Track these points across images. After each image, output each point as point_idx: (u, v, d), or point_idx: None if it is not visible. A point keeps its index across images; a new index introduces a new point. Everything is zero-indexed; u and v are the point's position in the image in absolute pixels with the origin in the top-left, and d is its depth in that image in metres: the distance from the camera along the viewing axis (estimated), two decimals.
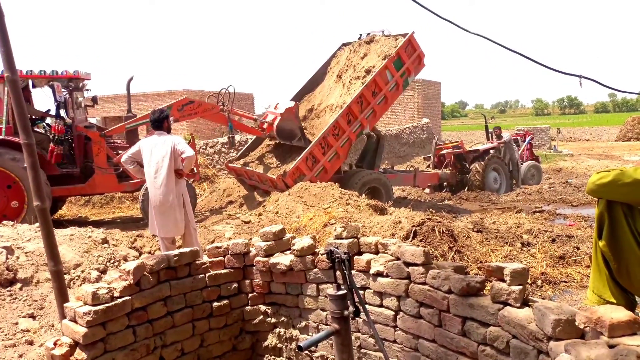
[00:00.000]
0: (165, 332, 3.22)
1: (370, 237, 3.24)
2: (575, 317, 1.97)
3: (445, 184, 12.34)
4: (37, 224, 4.02)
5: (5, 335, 3.84)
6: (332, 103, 9.77)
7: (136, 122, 8.88)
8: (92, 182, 8.70)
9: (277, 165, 9.34)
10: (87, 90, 9.18)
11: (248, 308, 3.66)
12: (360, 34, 10.65)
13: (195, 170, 9.42)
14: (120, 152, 8.69)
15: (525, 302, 2.31)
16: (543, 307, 2.08)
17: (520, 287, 2.31)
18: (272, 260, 3.47)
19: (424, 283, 2.75)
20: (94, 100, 9.39)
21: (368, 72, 9.48)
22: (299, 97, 10.62)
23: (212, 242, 6.43)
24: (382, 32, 10.31)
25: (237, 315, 3.64)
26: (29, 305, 4.29)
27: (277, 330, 3.59)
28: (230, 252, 3.62)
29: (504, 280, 2.35)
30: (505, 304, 2.34)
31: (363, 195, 8.24)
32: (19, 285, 4.45)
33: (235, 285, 3.63)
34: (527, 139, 14.25)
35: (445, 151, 12.72)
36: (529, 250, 5.63)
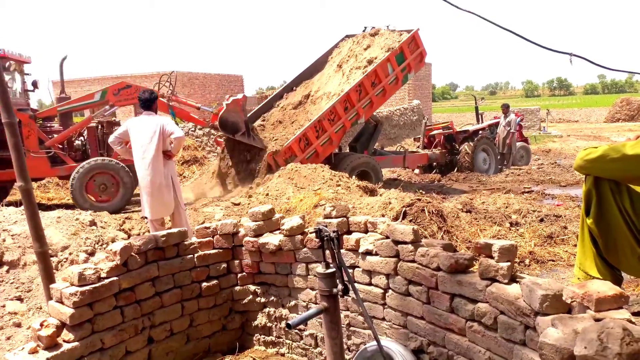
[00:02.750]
0: (154, 313, 3.21)
1: (360, 216, 3.23)
2: (562, 293, 1.97)
3: (434, 164, 12.37)
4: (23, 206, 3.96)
5: None
6: (330, 91, 9.73)
7: (69, 104, 8.56)
8: None
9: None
10: (27, 74, 8.87)
11: (237, 288, 3.66)
12: (365, 27, 10.66)
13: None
14: (55, 135, 8.41)
15: (513, 279, 2.32)
16: (531, 282, 2.08)
17: (509, 263, 2.31)
18: (261, 240, 3.46)
19: (413, 261, 2.76)
20: (34, 84, 9.06)
21: (370, 62, 9.47)
22: (296, 83, 10.58)
23: (202, 223, 6.39)
24: (387, 26, 10.34)
25: (227, 295, 3.64)
26: (16, 288, 4.26)
27: (267, 309, 3.59)
28: (219, 232, 3.60)
29: (492, 257, 2.36)
30: (494, 280, 2.34)
31: (353, 177, 8.23)
32: (5, 268, 4.41)
33: (224, 265, 3.62)
34: (517, 120, 14.29)
35: (435, 132, 12.73)
36: (518, 230, 5.68)
